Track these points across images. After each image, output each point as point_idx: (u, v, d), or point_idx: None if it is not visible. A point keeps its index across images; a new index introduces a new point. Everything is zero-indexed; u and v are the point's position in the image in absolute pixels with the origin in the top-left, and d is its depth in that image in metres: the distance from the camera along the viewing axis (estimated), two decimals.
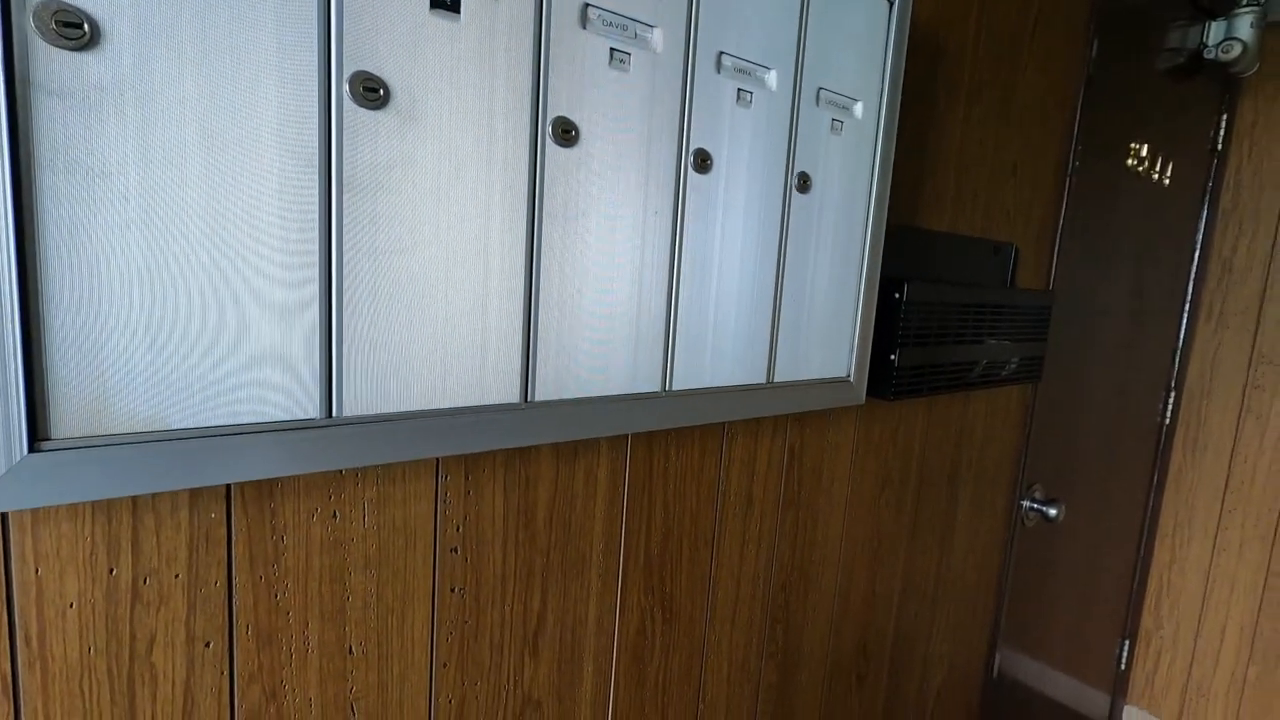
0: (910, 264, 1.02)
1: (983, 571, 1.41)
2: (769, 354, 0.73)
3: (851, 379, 0.84)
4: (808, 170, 0.72)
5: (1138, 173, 1.60)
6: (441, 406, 0.52)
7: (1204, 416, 2.02)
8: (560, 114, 0.53)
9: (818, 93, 0.72)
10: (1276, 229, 1.89)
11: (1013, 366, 1.15)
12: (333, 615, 0.57)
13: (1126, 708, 2.20)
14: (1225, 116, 1.93)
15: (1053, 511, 1.49)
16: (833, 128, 0.74)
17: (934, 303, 0.95)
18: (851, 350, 0.83)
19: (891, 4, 0.78)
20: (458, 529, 0.63)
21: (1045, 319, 1.19)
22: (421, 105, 0.47)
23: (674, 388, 0.65)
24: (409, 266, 0.48)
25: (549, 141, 0.53)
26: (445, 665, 0.64)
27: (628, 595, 0.78)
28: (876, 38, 0.77)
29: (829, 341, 0.80)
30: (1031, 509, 1.51)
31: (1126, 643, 2.16)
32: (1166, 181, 1.73)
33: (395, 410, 0.50)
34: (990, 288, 1.06)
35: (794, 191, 0.71)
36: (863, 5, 0.74)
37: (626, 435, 0.73)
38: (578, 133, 0.54)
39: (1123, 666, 2.16)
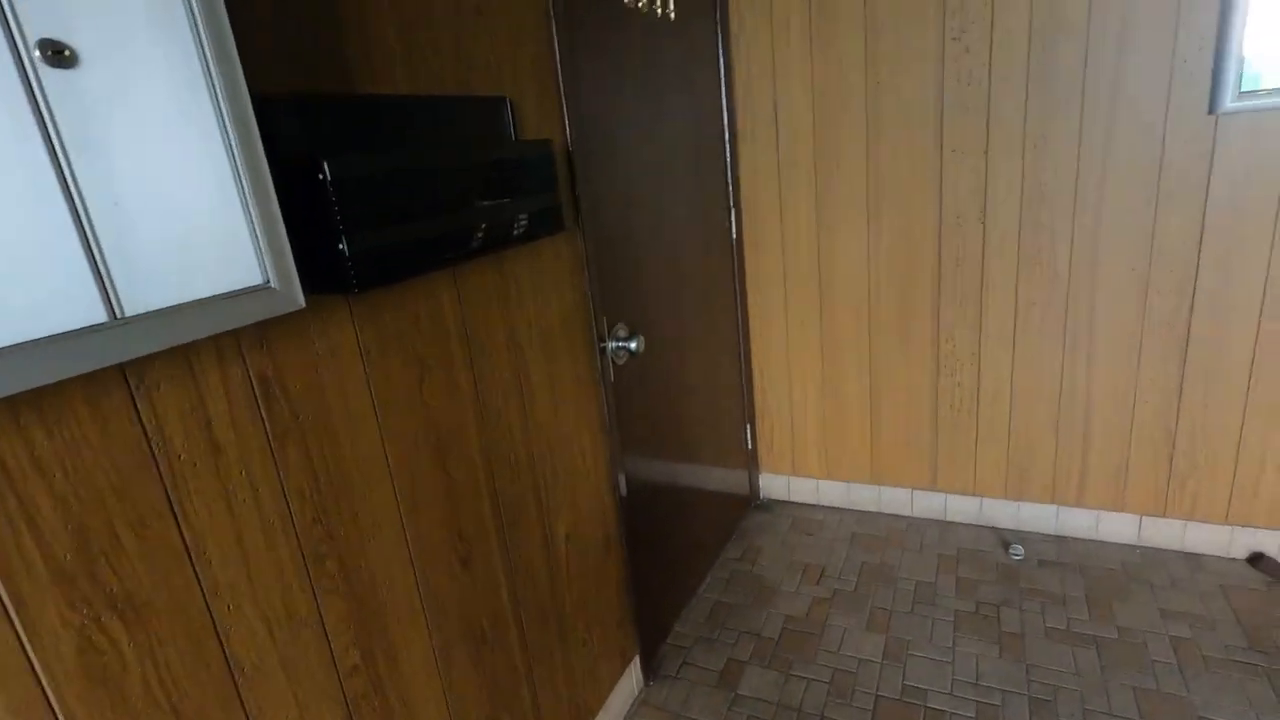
0: (354, 136, 0.91)
1: (582, 416, 1.50)
2: (99, 283, 0.58)
3: (275, 284, 0.73)
4: (59, 37, 0.55)
5: (637, 8, 1.67)
6: None
7: (759, 221, 2.36)
8: None
9: None
10: (772, 46, 2.16)
11: (524, 223, 1.14)
12: None
13: (761, 475, 2.68)
14: None
15: (634, 345, 1.62)
16: None
17: (382, 175, 0.86)
18: (261, 252, 0.71)
19: None
20: None
21: (548, 168, 1.19)
22: None
23: None
24: None
25: None
26: None
27: (43, 622, 0.62)
28: None
29: (217, 248, 0.67)
30: (618, 348, 1.63)
31: (749, 425, 2.59)
32: (671, 15, 1.84)
33: None
34: (464, 148, 1.01)
35: (42, 66, 0.54)
36: None
37: None
38: None
39: (750, 445, 2.60)
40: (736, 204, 2.35)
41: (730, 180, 2.30)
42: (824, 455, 2.53)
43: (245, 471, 0.80)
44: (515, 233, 1.13)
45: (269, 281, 0.72)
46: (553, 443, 1.40)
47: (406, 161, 0.90)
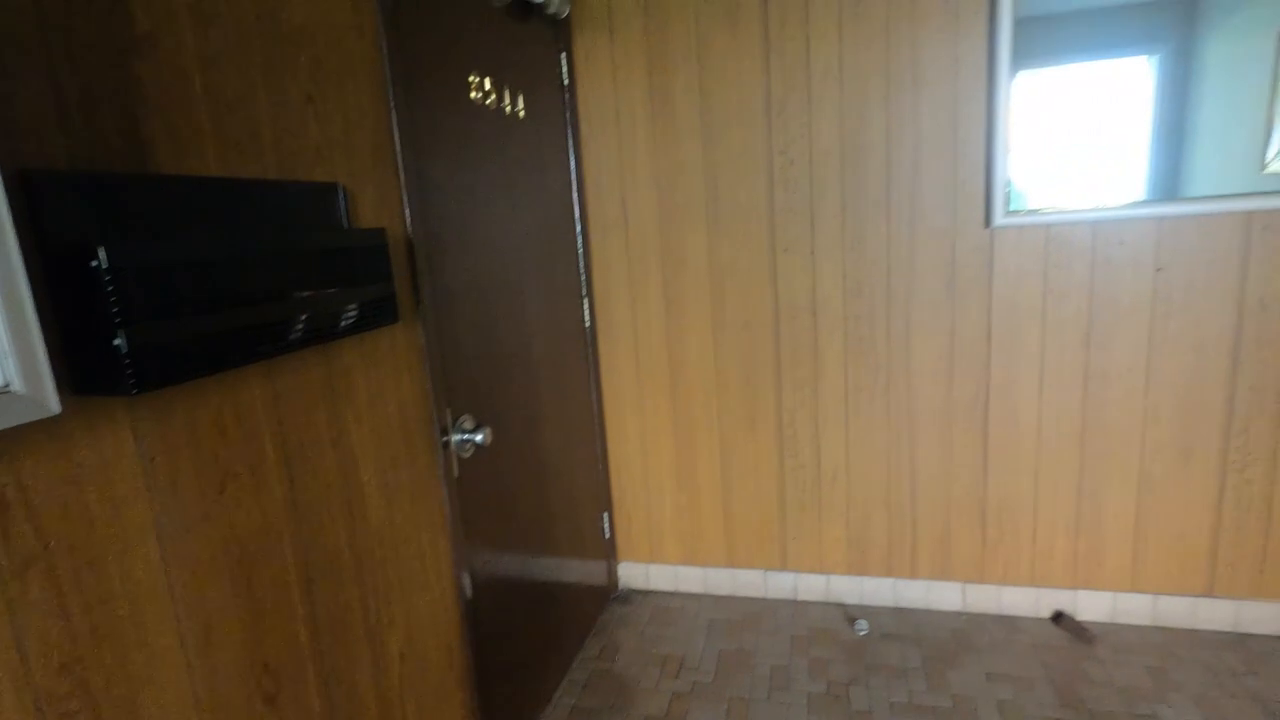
0: (149, 219, 0.82)
1: (421, 515, 1.39)
2: None
3: (17, 387, 0.62)
4: None
5: (486, 105, 1.70)
6: None
7: (611, 311, 2.41)
8: None
9: None
10: (620, 151, 2.28)
11: (354, 313, 1.08)
12: None
13: (621, 564, 2.62)
14: (565, 54, 2.22)
15: (480, 437, 1.56)
16: None
17: (174, 263, 0.78)
18: (2, 351, 0.60)
19: None
20: None
21: (382, 258, 1.15)
22: None
23: None
24: None
25: None
26: None
27: None
28: None
29: None
30: (463, 441, 1.55)
31: (607, 515, 2.55)
32: (521, 113, 1.90)
33: None
34: (279, 234, 0.95)
35: None
36: None
37: None
38: None
39: (607, 535, 2.56)
40: (590, 294, 2.39)
41: (583, 271, 2.35)
42: (680, 541, 2.53)
43: None
44: (344, 324, 1.06)
45: (8, 385, 0.61)
46: (386, 547, 1.28)
47: (205, 248, 0.82)
